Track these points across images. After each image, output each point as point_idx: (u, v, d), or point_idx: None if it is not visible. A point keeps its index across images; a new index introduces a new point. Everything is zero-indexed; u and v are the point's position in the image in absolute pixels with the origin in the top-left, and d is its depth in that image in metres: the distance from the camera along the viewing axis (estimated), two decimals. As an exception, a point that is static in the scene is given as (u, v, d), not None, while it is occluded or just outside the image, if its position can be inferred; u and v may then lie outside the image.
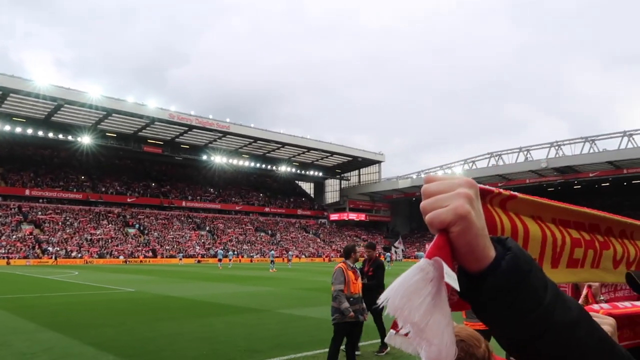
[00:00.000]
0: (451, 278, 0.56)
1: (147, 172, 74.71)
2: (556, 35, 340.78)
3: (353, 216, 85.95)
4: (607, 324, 1.18)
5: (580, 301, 1.29)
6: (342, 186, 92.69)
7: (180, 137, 67.95)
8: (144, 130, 64.47)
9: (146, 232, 62.96)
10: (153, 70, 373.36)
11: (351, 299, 6.44)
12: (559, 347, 0.60)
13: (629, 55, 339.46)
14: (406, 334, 0.55)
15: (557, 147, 66.81)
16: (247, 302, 15.33)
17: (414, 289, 0.55)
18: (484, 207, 0.82)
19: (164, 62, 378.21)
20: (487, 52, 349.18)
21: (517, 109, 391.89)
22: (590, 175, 65.54)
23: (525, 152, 70.36)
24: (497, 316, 0.61)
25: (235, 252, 61.44)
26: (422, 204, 0.61)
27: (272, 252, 41.41)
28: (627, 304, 1.45)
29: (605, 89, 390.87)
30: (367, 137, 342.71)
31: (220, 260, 44.08)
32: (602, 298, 2.47)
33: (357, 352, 7.48)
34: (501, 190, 0.88)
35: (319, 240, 76.82)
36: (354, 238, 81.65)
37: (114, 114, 58.04)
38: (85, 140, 61.12)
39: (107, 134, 63.84)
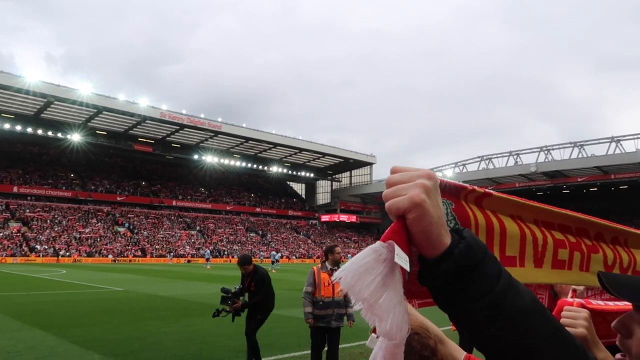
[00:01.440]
0: (402, 259, 0.59)
1: (138, 170, 74.23)
2: (548, 38, 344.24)
3: (344, 217, 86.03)
4: (581, 318, 1.18)
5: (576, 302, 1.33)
6: (334, 187, 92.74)
7: (172, 135, 67.62)
8: (134, 129, 64.06)
9: (136, 231, 62.54)
10: (145, 67, 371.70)
11: (320, 303, 6.15)
12: (511, 333, 0.65)
13: (619, 61, 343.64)
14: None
15: (546, 152, 67.39)
16: (235, 302, 15.28)
17: (366, 268, 0.59)
18: (458, 203, 0.88)
19: (156, 59, 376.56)
20: (479, 55, 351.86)
21: (508, 112, 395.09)
22: (579, 180, 66.11)
23: (515, 156, 70.87)
24: (451, 301, 0.66)
25: (225, 253, 61.27)
26: (384, 192, 0.67)
27: (273, 253, 42.73)
28: (600, 302, 1.48)
29: (595, 93, 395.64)
30: (359, 138, 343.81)
31: (208, 260, 45.61)
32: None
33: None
34: (475, 187, 0.90)
35: (309, 241, 76.77)
36: (345, 239, 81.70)
37: (104, 112, 57.63)
38: (75, 137, 60.57)
39: (98, 131, 63.35)
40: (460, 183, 0.88)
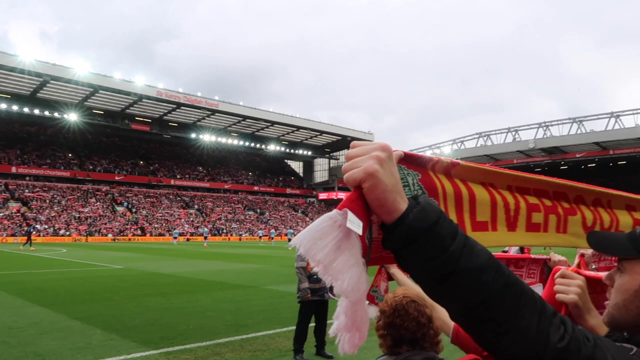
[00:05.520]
0: (354, 224, 0.65)
1: (136, 150, 74.02)
2: (553, 12, 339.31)
3: (342, 195, 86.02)
4: (574, 285, 1.19)
5: (572, 269, 1.35)
6: (331, 165, 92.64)
7: (169, 114, 67.20)
8: (131, 108, 63.60)
9: (135, 210, 62.70)
10: (141, 43, 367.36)
11: (315, 276, 6.09)
12: (465, 289, 0.71)
13: (623, 33, 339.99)
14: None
15: (545, 128, 67.27)
16: (234, 278, 15.47)
17: (321, 233, 0.65)
18: (425, 173, 0.94)
19: (153, 35, 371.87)
20: (482, 30, 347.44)
21: (509, 88, 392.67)
22: (577, 156, 66.18)
23: (514, 133, 70.75)
24: (409, 262, 0.73)
25: (224, 231, 61.58)
26: (343, 166, 0.74)
27: (291, 230, 43.92)
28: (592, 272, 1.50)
29: (597, 69, 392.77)
30: (359, 115, 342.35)
31: (205, 238, 46.55)
32: (594, 267, 2.54)
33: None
34: (441, 158, 0.97)
35: (307, 219, 77.09)
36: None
37: (101, 91, 57.08)
38: (72, 117, 60.19)
39: (95, 111, 62.87)
40: (425, 155, 0.93)
